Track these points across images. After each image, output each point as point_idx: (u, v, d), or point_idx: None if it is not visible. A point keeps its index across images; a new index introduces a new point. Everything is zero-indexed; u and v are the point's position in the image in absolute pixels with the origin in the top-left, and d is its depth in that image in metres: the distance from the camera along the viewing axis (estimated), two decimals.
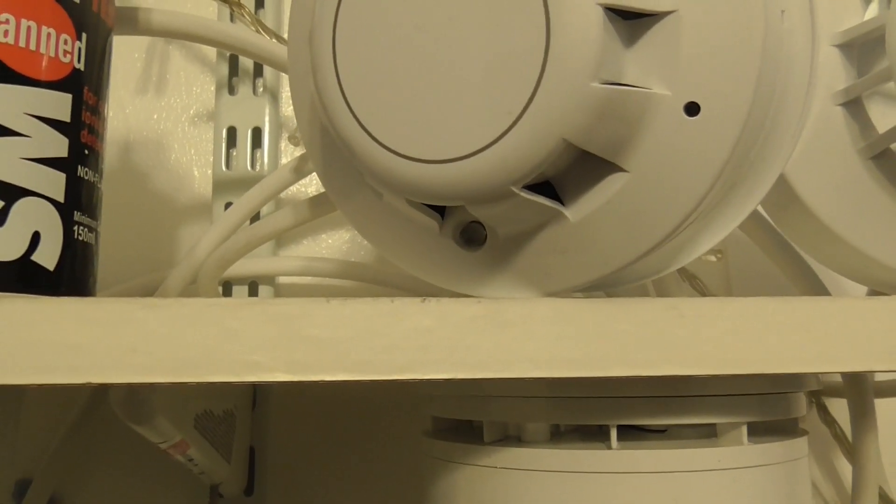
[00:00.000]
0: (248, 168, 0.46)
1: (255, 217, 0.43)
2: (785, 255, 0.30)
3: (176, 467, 0.36)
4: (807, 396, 0.42)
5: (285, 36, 0.34)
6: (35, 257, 0.22)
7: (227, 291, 0.44)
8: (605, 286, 0.23)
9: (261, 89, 0.47)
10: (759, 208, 0.29)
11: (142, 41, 0.48)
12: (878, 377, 0.37)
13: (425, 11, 0.19)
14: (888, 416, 0.41)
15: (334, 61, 0.20)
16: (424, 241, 0.22)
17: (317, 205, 0.31)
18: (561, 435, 0.26)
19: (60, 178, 0.23)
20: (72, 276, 0.23)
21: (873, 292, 0.30)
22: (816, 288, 0.31)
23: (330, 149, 0.23)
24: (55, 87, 0.23)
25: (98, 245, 0.25)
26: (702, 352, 0.20)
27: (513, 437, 0.27)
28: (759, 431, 0.26)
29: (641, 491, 0.24)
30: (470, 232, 0.21)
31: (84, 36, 0.24)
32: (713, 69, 0.18)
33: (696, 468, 0.24)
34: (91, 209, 0.24)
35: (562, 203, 0.20)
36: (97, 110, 0.24)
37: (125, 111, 0.48)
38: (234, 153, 0.46)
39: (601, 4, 0.17)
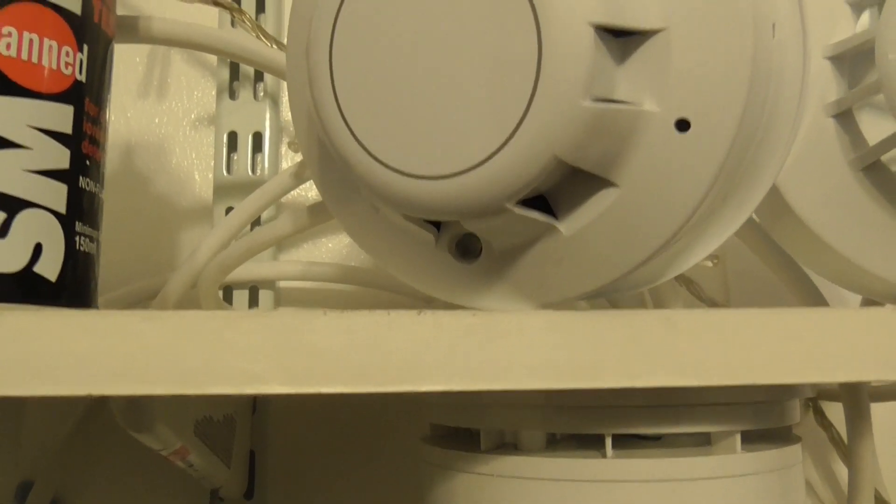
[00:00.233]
0: (249, 172, 0.46)
1: (256, 221, 0.44)
2: (781, 263, 0.30)
3: (177, 471, 0.36)
4: (803, 400, 0.42)
5: (286, 41, 0.34)
6: (37, 269, 0.22)
7: (227, 295, 0.45)
8: (601, 296, 0.23)
9: (262, 94, 0.47)
10: (755, 217, 0.29)
11: (143, 46, 0.48)
12: (874, 382, 0.38)
13: (420, 30, 0.19)
14: (883, 419, 0.42)
15: (331, 77, 0.20)
16: (421, 253, 0.22)
17: (316, 212, 0.31)
18: (557, 443, 0.27)
19: (62, 189, 0.23)
20: (73, 286, 0.23)
21: (868, 301, 0.31)
22: (813, 295, 0.31)
23: (327, 159, 0.23)
24: (57, 99, 0.23)
25: (99, 254, 0.25)
26: (696, 363, 0.20)
27: (509, 445, 0.27)
28: (752, 439, 0.26)
29: (636, 499, 0.24)
30: (465, 244, 0.22)
31: (85, 47, 0.24)
32: (703, 85, 0.18)
33: (691, 476, 0.24)
34: (92, 219, 0.24)
35: (555, 217, 0.20)
36: (98, 120, 0.25)
37: (127, 115, 0.48)
38: (235, 157, 0.46)
39: (592, 24, 0.17)
